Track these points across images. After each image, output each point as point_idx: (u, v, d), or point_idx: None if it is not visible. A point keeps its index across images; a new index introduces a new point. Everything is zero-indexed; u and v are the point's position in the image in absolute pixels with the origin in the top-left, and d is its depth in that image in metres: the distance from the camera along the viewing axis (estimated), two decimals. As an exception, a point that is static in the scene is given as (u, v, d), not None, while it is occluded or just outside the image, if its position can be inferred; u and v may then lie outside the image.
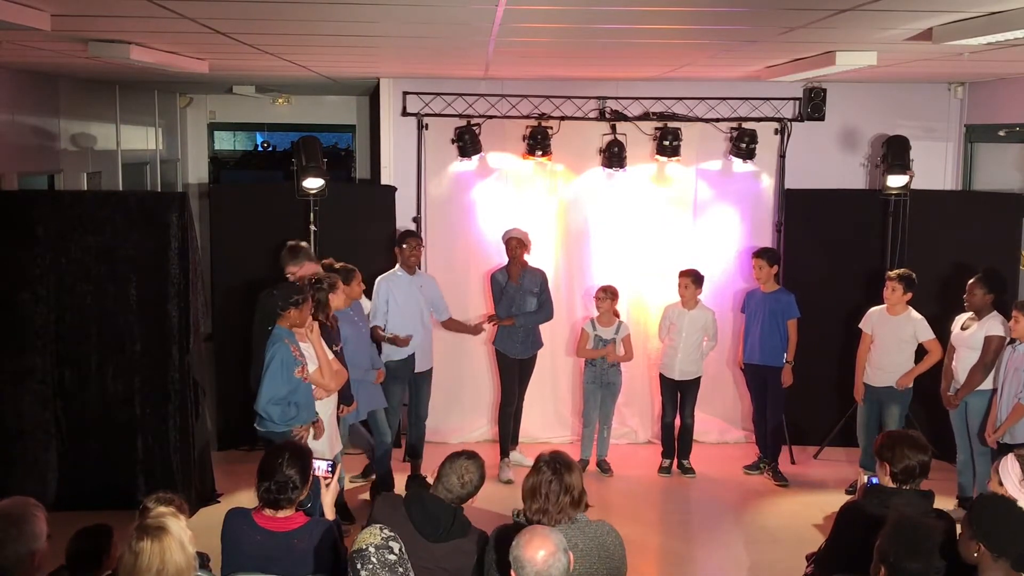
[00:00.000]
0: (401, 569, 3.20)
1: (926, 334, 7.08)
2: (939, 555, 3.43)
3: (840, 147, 8.74)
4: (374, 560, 3.14)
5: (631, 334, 8.04)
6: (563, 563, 3.15)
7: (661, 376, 7.98)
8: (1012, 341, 6.42)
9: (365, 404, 6.76)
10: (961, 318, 6.91)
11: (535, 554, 3.14)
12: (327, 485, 4.31)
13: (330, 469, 4.35)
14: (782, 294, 7.74)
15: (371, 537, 3.22)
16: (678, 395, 7.94)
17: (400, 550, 3.24)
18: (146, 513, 3.24)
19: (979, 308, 6.72)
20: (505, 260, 7.80)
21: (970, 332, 6.75)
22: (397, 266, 7.45)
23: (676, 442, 8.03)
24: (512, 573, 3.19)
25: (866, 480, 4.55)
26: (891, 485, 4.25)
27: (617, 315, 7.92)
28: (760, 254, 7.79)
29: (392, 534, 3.28)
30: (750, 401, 8.14)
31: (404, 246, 7.39)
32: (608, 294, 7.81)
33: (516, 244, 7.64)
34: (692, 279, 7.76)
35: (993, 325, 6.65)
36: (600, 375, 7.86)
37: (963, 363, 6.79)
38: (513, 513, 3.98)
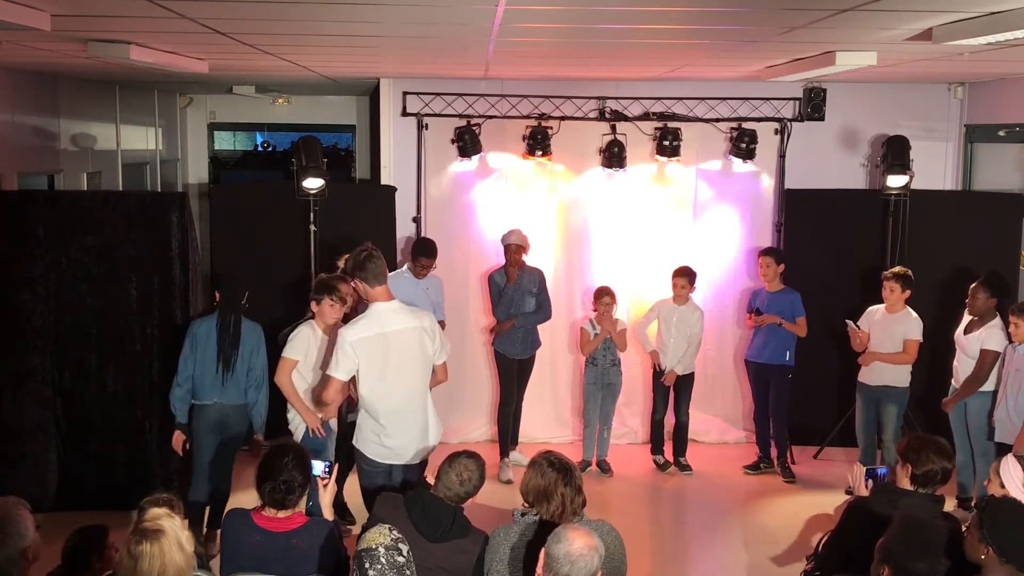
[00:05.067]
0: (408, 572, 3.21)
1: (912, 334, 7.09)
2: (944, 556, 3.43)
3: (840, 147, 8.74)
4: (383, 560, 3.15)
5: (632, 332, 8.09)
6: (594, 564, 3.15)
7: (654, 372, 8.01)
8: (1011, 343, 6.43)
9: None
10: (966, 318, 6.91)
11: (575, 541, 3.17)
12: (324, 486, 4.32)
13: (327, 470, 4.37)
14: (786, 293, 7.75)
15: (380, 537, 3.23)
16: (671, 392, 7.98)
17: (408, 552, 3.25)
18: (143, 515, 3.24)
19: (982, 313, 6.72)
20: (504, 260, 7.81)
21: (970, 339, 6.75)
22: (405, 267, 7.45)
23: (672, 439, 8.07)
24: (542, 552, 3.21)
25: (864, 471, 4.55)
26: (908, 487, 4.24)
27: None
28: (768, 252, 7.85)
29: (400, 536, 3.29)
30: (752, 400, 8.15)
31: (415, 263, 7.38)
32: (611, 297, 7.82)
33: (515, 249, 7.63)
34: (688, 279, 7.81)
35: (991, 336, 6.62)
36: (601, 375, 7.87)
37: (963, 365, 6.80)
38: (515, 513, 3.98)
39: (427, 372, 5.28)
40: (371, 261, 5.11)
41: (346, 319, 6.11)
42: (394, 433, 5.16)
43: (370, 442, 5.19)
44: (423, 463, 5.33)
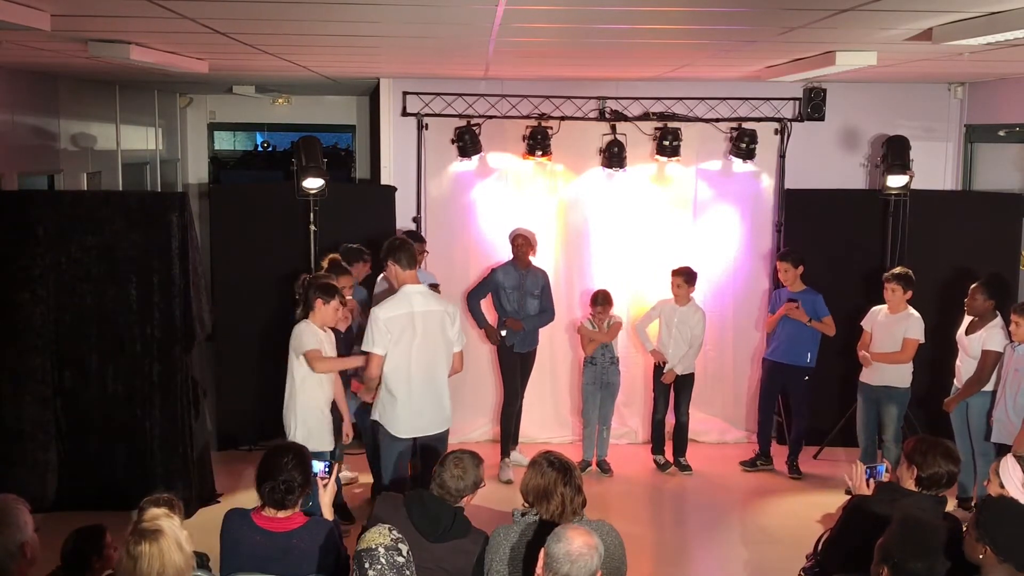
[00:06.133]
0: (408, 572, 3.20)
1: (911, 332, 7.09)
2: (943, 556, 3.42)
3: (840, 147, 8.74)
4: (383, 560, 3.14)
5: (632, 332, 8.11)
6: (594, 563, 3.15)
7: (656, 371, 7.99)
8: (1011, 342, 6.43)
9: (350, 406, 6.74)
10: (967, 318, 6.91)
11: (575, 540, 3.16)
12: (324, 486, 4.32)
13: (327, 469, 4.37)
14: (809, 294, 7.75)
15: (380, 537, 3.22)
16: (671, 392, 7.97)
17: (407, 552, 3.24)
18: (142, 515, 3.24)
19: (980, 313, 6.73)
20: (506, 258, 7.82)
21: (971, 340, 6.76)
22: None
23: (672, 439, 8.06)
24: (542, 552, 3.21)
25: (864, 469, 4.54)
26: (913, 489, 4.24)
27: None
28: (784, 257, 7.83)
29: (400, 536, 3.28)
30: (759, 397, 8.15)
31: None
32: (606, 306, 7.81)
33: (523, 243, 7.66)
34: (684, 278, 7.78)
35: (991, 337, 6.63)
36: (600, 375, 7.87)
37: (965, 366, 6.83)
38: (515, 513, 3.98)
39: (448, 354, 5.77)
40: (404, 247, 5.73)
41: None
42: (414, 407, 5.66)
43: (391, 416, 5.67)
44: (443, 442, 5.78)
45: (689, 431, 8.10)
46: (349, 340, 6.66)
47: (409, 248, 5.74)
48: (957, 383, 6.88)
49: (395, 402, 5.63)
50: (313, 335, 5.90)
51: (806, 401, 7.89)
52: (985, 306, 6.71)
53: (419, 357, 5.63)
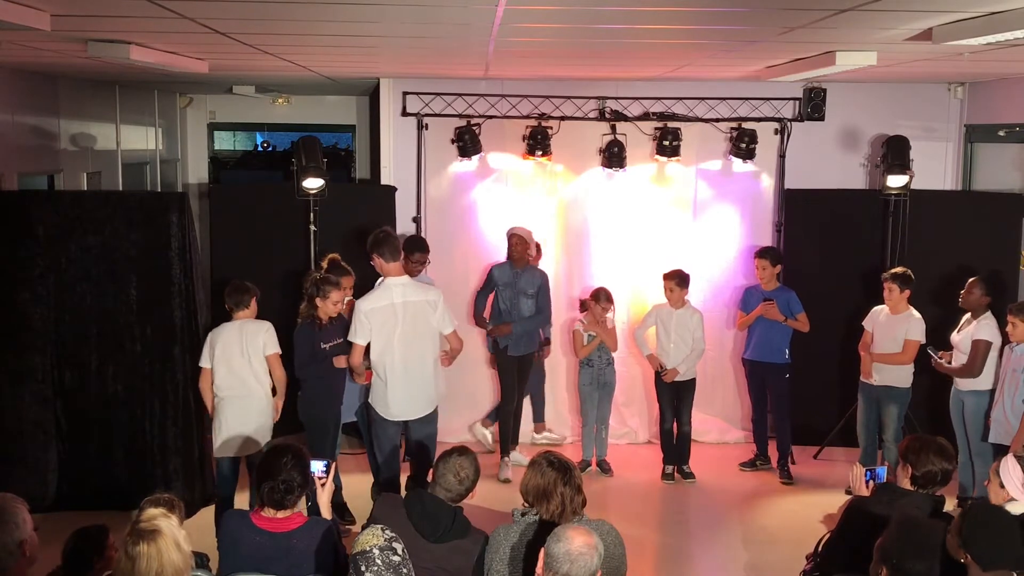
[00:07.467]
0: (405, 570, 3.19)
1: (912, 334, 7.07)
2: (942, 556, 3.42)
3: (840, 147, 8.74)
4: (379, 562, 3.13)
5: (630, 334, 8.08)
6: (594, 563, 3.15)
7: (657, 379, 7.91)
8: (1009, 343, 6.44)
9: (350, 405, 6.75)
10: (960, 320, 6.92)
11: (575, 540, 3.16)
12: (322, 485, 4.33)
13: (325, 469, 4.37)
14: (782, 291, 7.75)
15: (374, 538, 3.21)
16: (675, 399, 7.91)
17: (403, 551, 3.23)
18: (140, 515, 3.24)
19: (974, 308, 6.75)
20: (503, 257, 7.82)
21: (963, 336, 6.78)
22: None
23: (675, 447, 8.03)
24: (542, 551, 3.22)
25: (864, 471, 4.55)
26: (909, 488, 4.23)
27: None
28: (763, 254, 7.80)
29: (394, 535, 3.27)
30: (749, 398, 8.14)
31: (408, 260, 7.35)
32: (608, 302, 7.79)
33: (517, 241, 7.63)
34: (676, 282, 7.69)
35: (981, 328, 6.66)
36: (596, 376, 7.85)
37: (958, 363, 6.84)
38: (515, 513, 3.98)
39: (433, 340, 6.05)
40: (388, 240, 5.97)
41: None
42: (401, 392, 5.94)
43: (380, 400, 6.00)
44: (431, 423, 6.07)
45: (689, 431, 8.07)
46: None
47: (392, 241, 6.01)
48: (956, 385, 6.88)
49: (384, 387, 5.96)
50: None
51: (787, 402, 7.84)
52: (981, 301, 6.72)
53: (402, 345, 5.91)
